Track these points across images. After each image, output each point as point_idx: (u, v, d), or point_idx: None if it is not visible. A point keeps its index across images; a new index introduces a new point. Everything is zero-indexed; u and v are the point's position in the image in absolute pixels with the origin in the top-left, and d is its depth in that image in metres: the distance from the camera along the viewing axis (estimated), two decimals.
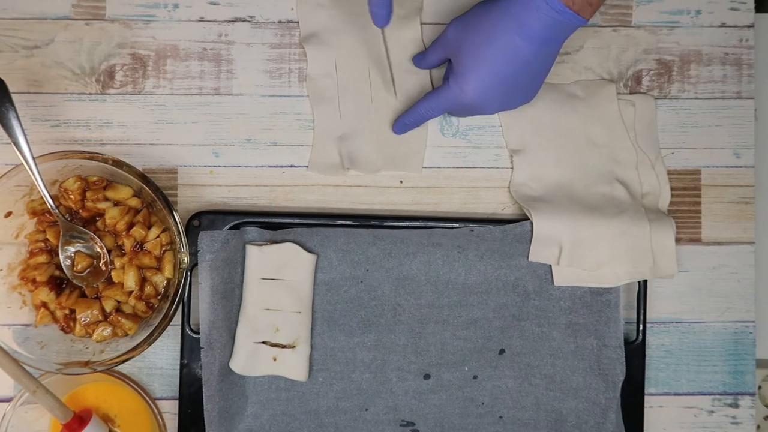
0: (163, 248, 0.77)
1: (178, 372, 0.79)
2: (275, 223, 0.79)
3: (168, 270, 0.76)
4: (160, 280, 0.77)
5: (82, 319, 0.76)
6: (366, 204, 0.81)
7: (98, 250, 0.76)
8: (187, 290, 0.77)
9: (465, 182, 0.82)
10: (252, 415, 0.78)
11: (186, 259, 0.75)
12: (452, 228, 0.79)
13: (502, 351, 0.79)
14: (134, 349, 0.74)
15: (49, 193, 0.74)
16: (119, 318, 0.76)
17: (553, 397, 0.79)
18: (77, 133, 0.80)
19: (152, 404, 0.78)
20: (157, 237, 0.76)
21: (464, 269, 0.79)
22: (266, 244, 0.77)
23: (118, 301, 0.76)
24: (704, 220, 0.82)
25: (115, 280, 0.76)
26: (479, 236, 0.78)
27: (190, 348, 0.78)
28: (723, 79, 0.83)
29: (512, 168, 0.82)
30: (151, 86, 0.81)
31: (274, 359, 0.77)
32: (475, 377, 0.79)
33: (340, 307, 0.79)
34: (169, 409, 0.80)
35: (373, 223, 0.79)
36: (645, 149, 0.82)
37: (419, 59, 0.80)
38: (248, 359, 0.77)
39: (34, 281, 0.76)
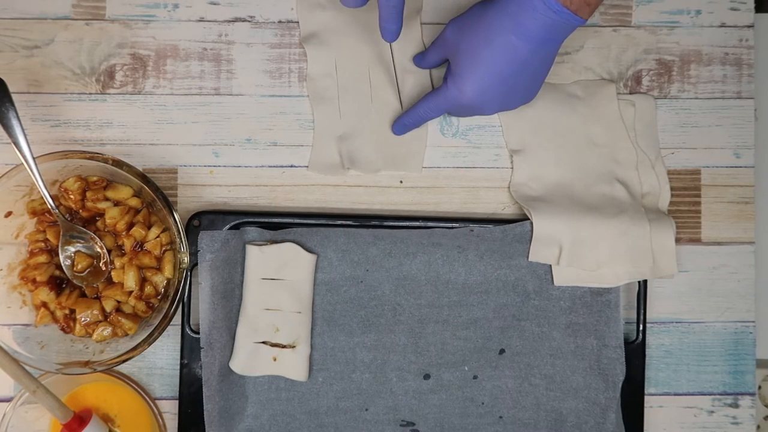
0: (163, 248, 0.77)
1: (178, 372, 0.79)
2: (275, 223, 0.79)
3: (168, 270, 0.76)
4: (160, 280, 0.77)
5: (82, 319, 0.76)
6: (366, 204, 0.81)
7: (98, 250, 0.76)
8: (187, 290, 0.77)
9: (465, 182, 0.82)
10: (252, 415, 0.78)
11: (186, 259, 0.75)
12: (452, 228, 0.79)
13: (502, 351, 0.79)
14: (134, 349, 0.74)
15: (49, 193, 0.74)
16: (119, 318, 0.76)
17: (553, 397, 0.79)
18: (77, 133, 0.80)
19: (152, 404, 0.78)
20: (157, 237, 0.76)
21: (464, 269, 0.79)
22: (266, 244, 0.77)
23: (118, 301, 0.76)
24: (704, 220, 0.82)
25: (115, 280, 0.76)
26: (479, 236, 0.78)
27: (190, 348, 0.78)
28: (723, 79, 0.83)
29: (512, 168, 0.82)
30: (151, 86, 0.81)
31: (274, 359, 0.77)
32: (475, 377, 0.79)
33: (340, 307, 0.79)
34: (169, 409, 0.80)
35: (373, 223, 0.79)
36: (645, 149, 0.82)
37: (419, 59, 0.80)
38: (248, 359, 0.77)
39: (34, 281, 0.76)
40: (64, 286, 0.78)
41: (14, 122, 0.72)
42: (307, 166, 0.81)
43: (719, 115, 0.83)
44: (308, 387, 0.79)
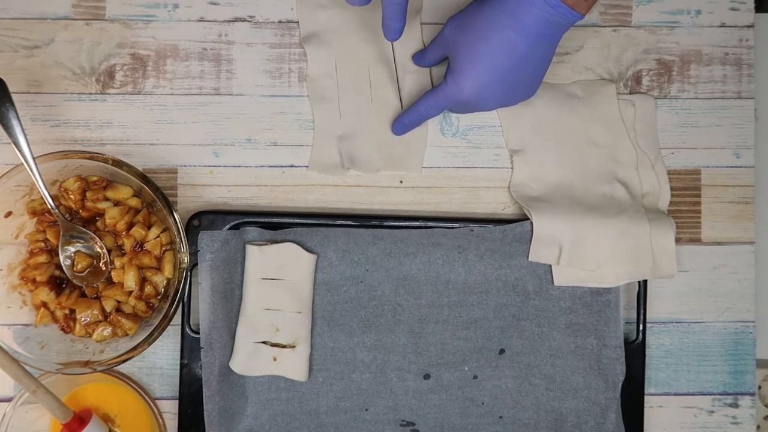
0: (163, 248, 0.77)
1: (178, 372, 0.79)
2: (275, 223, 0.79)
3: (168, 270, 0.76)
4: (160, 280, 0.77)
5: (82, 319, 0.76)
6: (366, 204, 0.81)
7: (98, 250, 0.76)
8: (187, 290, 0.77)
9: (465, 182, 0.82)
10: (252, 415, 0.78)
11: (186, 259, 0.75)
12: (452, 228, 0.79)
13: (502, 351, 0.79)
14: (134, 349, 0.74)
15: (49, 193, 0.74)
16: (119, 318, 0.76)
17: (553, 397, 0.79)
18: (77, 133, 0.80)
19: (152, 404, 0.78)
20: (157, 237, 0.76)
21: (464, 269, 0.79)
22: (266, 244, 0.77)
23: (118, 301, 0.76)
24: (704, 220, 0.82)
25: (115, 280, 0.76)
26: (479, 236, 0.78)
27: (190, 348, 0.78)
28: (723, 79, 0.83)
29: (512, 168, 0.82)
30: (151, 86, 0.81)
31: (274, 359, 0.77)
32: (475, 377, 0.79)
33: (340, 307, 0.79)
34: (169, 409, 0.80)
35: (373, 223, 0.79)
36: (645, 149, 0.82)
37: (419, 58, 0.80)
38: (248, 359, 0.77)
39: (34, 281, 0.76)
40: (64, 286, 0.78)
41: (14, 122, 0.72)
42: (307, 166, 0.81)
43: (719, 115, 0.83)
44: (308, 387, 0.79)
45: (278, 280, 0.77)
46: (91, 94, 0.80)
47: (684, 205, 0.82)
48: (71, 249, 0.76)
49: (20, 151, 0.72)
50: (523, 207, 0.80)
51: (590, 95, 0.82)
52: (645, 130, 0.82)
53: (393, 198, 0.81)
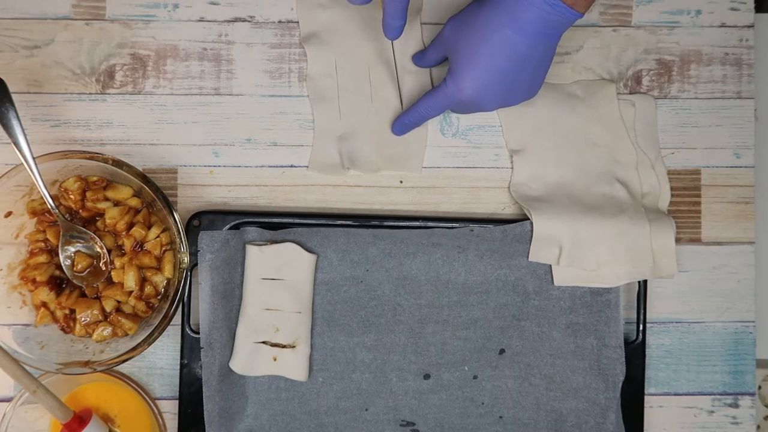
0: (163, 248, 0.77)
1: (178, 372, 0.79)
2: (275, 223, 0.79)
3: (168, 270, 0.76)
4: (160, 280, 0.77)
5: (82, 319, 0.76)
6: (366, 204, 0.81)
7: (98, 250, 0.76)
8: (187, 290, 0.77)
9: (465, 182, 0.82)
10: (252, 415, 0.78)
11: (186, 259, 0.75)
12: (452, 228, 0.79)
13: (502, 351, 0.79)
14: (134, 349, 0.74)
15: (49, 193, 0.74)
16: (119, 318, 0.76)
17: (553, 397, 0.79)
18: (77, 133, 0.80)
19: (152, 404, 0.78)
20: (157, 237, 0.76)
21: (464, 269, 0.79)
22: (266, 244, 0.77)
23: (118, 301, 0.76)
24: (704, 220, 0.82)
25: (115, 280, 0.76)
26: (479, 236, 0.78)
27: (190, 348, 0.78)
28: (723, 79, 0.83)
29: (512, 168, 0.82)
30: (151, 86, 0.81)
31: (274, 359, 0.77)
32: (475, 377, 0.79)
33: (340, 307, 0.79)
34: (169, 409, 0.80)
35: (373, 223, 0.79)
36: (645, 149, 0.82)
37: (419, 58, 0.81)
38: (248, 359, 0.77)
39: (34, 281, 0.76)
40: (64, 286, 0.78)
41: (14, 122, 0.72)
42: (307, 166, 0.81)
43: (719, 115, 0.83)
44: (308, 387, 0.79)
45: (278, 280, 0.77)
46: (91, 94, 0.80)
47: (684, 205, 0.82)
48: (71, 249, 0.76)
49: (20, 151, 0.72)
50: (523, 207, 0.80)
51: (590, 95, 0.82)
52: (645, 130, 0.82)
53: (393, 198, 0.81)
